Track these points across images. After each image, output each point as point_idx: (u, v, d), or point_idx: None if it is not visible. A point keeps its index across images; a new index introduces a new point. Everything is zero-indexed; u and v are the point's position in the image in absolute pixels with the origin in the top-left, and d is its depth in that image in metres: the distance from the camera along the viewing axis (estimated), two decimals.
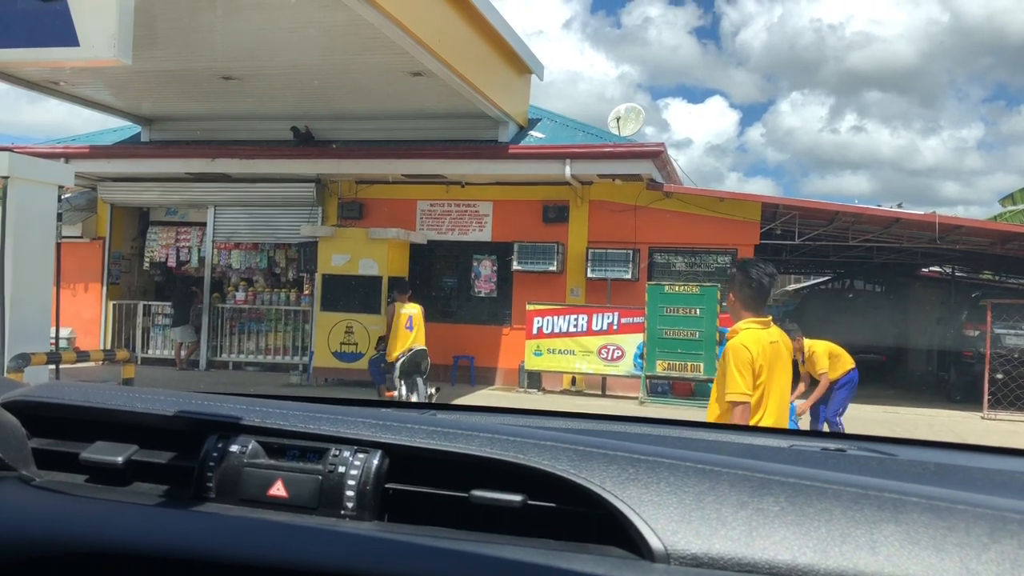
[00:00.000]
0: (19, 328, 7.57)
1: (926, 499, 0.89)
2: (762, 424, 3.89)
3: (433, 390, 10.56)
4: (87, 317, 15.80)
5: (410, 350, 10.25)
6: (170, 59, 11.39)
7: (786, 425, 4.24)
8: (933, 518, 0.86)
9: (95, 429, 1.17)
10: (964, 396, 14.20)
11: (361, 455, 1.05)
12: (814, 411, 8.55)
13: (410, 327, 10.44)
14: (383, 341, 11.15)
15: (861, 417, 12.48)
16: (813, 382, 8.48)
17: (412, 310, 10.58)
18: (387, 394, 10.31)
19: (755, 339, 3.97)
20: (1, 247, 7.53)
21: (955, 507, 0.87)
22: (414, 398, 9.95)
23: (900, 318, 19.46)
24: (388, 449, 1.06)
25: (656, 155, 13.33)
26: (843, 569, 0.82)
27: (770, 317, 4.15)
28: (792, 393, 8.06)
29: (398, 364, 10.12)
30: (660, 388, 13.58)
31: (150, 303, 16.40)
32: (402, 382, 10.06)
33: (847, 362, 8.58)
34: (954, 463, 1.38)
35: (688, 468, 0.96)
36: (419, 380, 10.18)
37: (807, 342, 8.42)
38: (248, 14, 9.78)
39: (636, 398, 13.06)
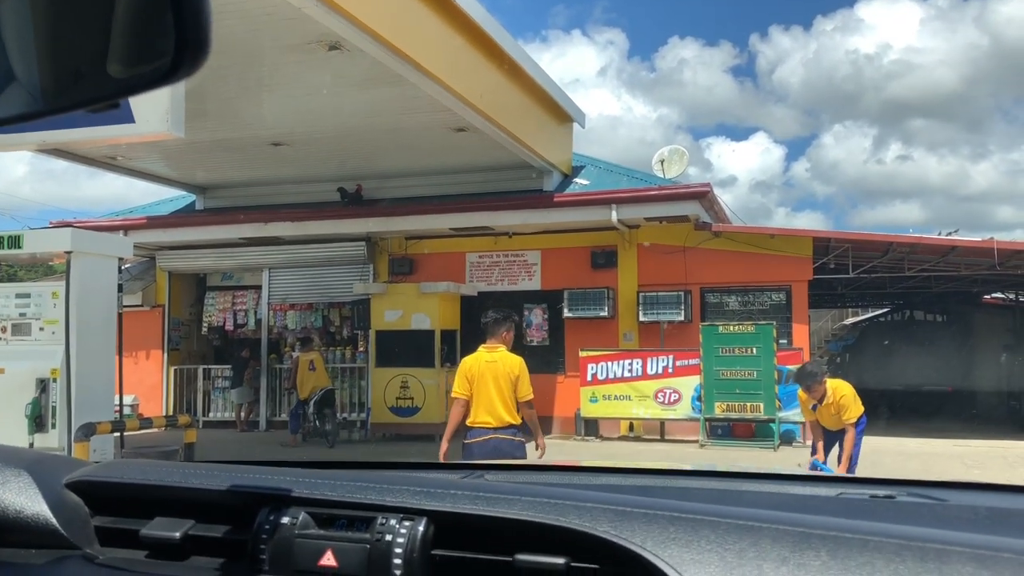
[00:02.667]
0: (84, 398, 7.76)
1: (970, 548, 0.88)
2: (472, 414, 6.02)
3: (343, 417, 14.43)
4: (149, 383, 16.13)
5: (321, 389, 13.30)
6: (221, 130, 11.75)
7: (496, 415, 5.98)
8: (978, 568, 0.85)
9: (153, 505, 1.21)
10: None
11: (407, 523, 1.07)
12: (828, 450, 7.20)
13: (312, 369, 13.42)
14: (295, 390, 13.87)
15: (930, 451, 12.14)
16: (830, 434, 7.14)
17: (311, 356, 13.63)
18: (291, 440, 13.40)
19: (476, 358, 6.18)
20: (66, 320, 7.77)
21: (1000, 555, 0.86)
22: (328, 427, 13.15)
23: (965, 347, 18.95)
24: (433, 516, 1.08)
25: (703, 195, 13.30)
26: None
27: (500, 345, 6.19)
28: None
29: (312, 401, 13.17)
30: (720, 430, 13.36)
31: (209, 367, 16.70)
32: (315, 414, 13.17)
33: (861, 406, 7.23)
34: (1007, 507, 1.35)
35: (729, 525, 0.97)
36: (329, 412, 13.25)
37: (831, 384, 7.00)
38: (293, 90, 10.10)
39: (696, 441, 12.87)
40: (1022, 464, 10.95)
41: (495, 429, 5.97)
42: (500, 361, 6.10)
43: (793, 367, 12.91)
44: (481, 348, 6.28)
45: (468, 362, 6.20)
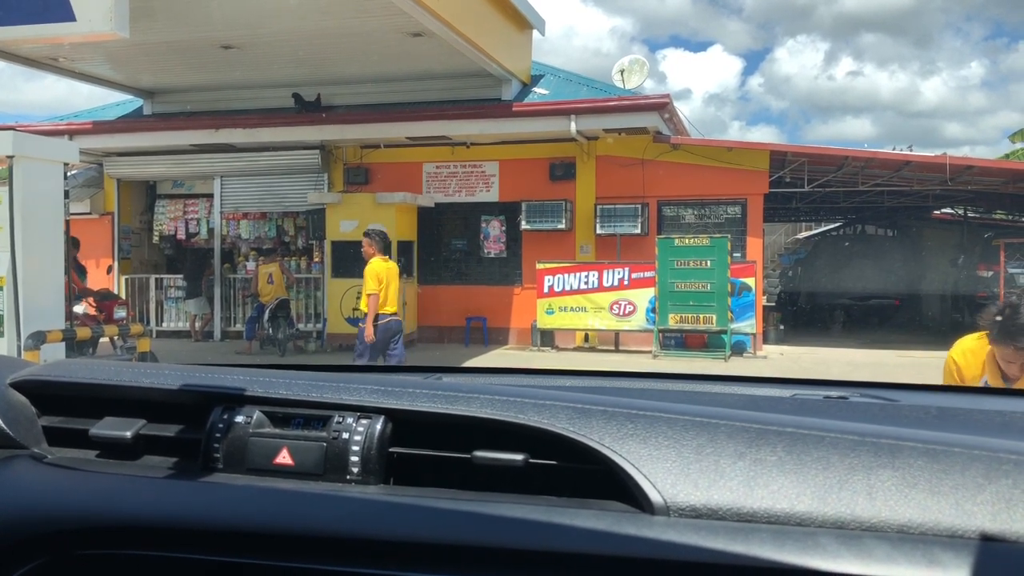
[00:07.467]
0: (33, 307, 7.62)
1: (922, 443, 0.89)
2: (383, 305, 8.25)
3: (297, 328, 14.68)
4: None
5: (276, 299, 13.62)
6: (168, 30, 11.31)
7: (397, 305, 8.40)
8: (929, 461, 0.86)
9: (104, 405, 1.19)
10: None
11: (364, 421, 1.06)
12: None
13: (270, 281, 13.77)
14: (255, 298, 14.28)
15: (874, 362, 12.49)
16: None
17: (271, 269, 13.90)
18: (246, 347, 13.95)
19: (379, 264, 8.37)
20: (10, 227, 7.55)
21: (951, 450, 0.88)
22: (280, 336, 13.53)
23: (913, 261, 19.35)
24: (391, 414, 1.07)
25: (662, 107, 13.20)
26: (841, 515, 0.83)
27: (388, 257, 8.63)
28: None
29: (268, 309, 13.56)
30: (673, 341, 13.60)
31: (162, 276, 16.47)
32: (269, 321, 13.55)
33: None
34: (955, 406, 1.39)
35: (686, 422, 0.97)
36: (282, 321, 13.65)
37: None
38: None
39: (649, 352, 13.09)
40: None
41: (395, 315, 8.45)
42: (394, 268, 8.65)
43: (745, 282, 13.10)
44: (379, 258, 8.49)
45: (378, 266, 8.39)
